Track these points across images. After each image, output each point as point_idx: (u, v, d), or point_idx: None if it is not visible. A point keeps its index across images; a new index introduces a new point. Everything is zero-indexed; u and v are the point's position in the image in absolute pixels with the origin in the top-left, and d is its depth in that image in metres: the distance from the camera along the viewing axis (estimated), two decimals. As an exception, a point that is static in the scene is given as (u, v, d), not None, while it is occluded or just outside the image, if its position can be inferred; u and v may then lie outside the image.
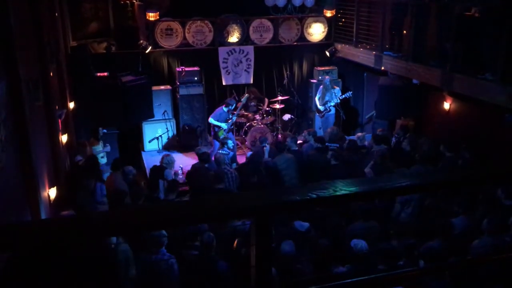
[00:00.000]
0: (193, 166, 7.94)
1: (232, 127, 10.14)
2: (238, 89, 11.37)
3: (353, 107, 12.26)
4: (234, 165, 8.69)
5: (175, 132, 10.94)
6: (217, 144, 9.82)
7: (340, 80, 11.57)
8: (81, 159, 8.26)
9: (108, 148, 9.44)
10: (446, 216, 5.71)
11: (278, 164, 7.79)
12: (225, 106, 9.63)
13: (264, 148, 8.43)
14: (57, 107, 7.66)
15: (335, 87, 10.99)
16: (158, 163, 7.87)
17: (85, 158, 8.12)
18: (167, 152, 9.26)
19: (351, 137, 9.96)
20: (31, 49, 6.33)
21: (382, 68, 9.82)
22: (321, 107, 10.83)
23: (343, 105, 10.97)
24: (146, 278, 4.73)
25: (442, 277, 4.20)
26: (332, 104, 10.74)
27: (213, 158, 8.25)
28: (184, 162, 9.65)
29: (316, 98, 10.93)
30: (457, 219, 5.64)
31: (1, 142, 4.01)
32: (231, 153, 8.91)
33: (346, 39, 11.40)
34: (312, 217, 5.95)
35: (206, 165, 7.70)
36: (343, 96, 10.79)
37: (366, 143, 8.91)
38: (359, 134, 9.55)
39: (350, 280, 1.75)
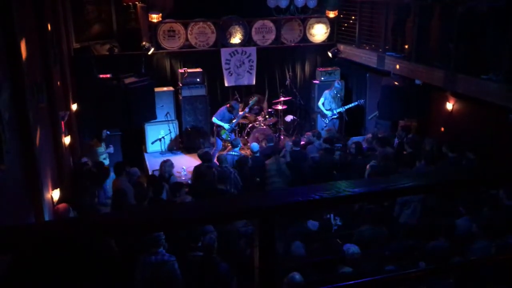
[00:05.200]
0: (196, 167, 7.93)
1: (235, 128, 10.13)
2: (240, 91, 11.38)
3: (355, 108, 12.22)
4: None
5: (177, 133, 10.95)
6: (220, 142, 9.82)
7: (343, 80, 11.56)
8: (87, 161, 8.26)
9: (111, 149, 9.44)
10: (450, 217, 5.68)
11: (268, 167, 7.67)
12: (228, 109, 9.63)
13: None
14: (60, 109, 7.69)
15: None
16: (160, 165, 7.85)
17: (93, 164, 8.12)
18: (165, 158, 8.91)
19: (354, 138, 9.92)
20: (35, 51, 6.35)
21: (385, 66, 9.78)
22: (328, 112, 10.63)
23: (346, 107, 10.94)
24: (148, 279, 4.73)
25: (446, 278, 4.18)
26: (342, 110, 10.63)
27: (215, 158, 8.24)
28: (187, 163, 9.66)
29: (320, 103, 10.71)
30: (461, 219, 5.62)
31: (5, 144, 4.02)
32: (243, 155, 8.86)
33: (348, 40, 11.38)
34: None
35: (208, 165, 7.70)
36: (355, 103, 10.72)
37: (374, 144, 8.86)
38: (369, 135, 9.48)
39: (353, 282, 1.74)
